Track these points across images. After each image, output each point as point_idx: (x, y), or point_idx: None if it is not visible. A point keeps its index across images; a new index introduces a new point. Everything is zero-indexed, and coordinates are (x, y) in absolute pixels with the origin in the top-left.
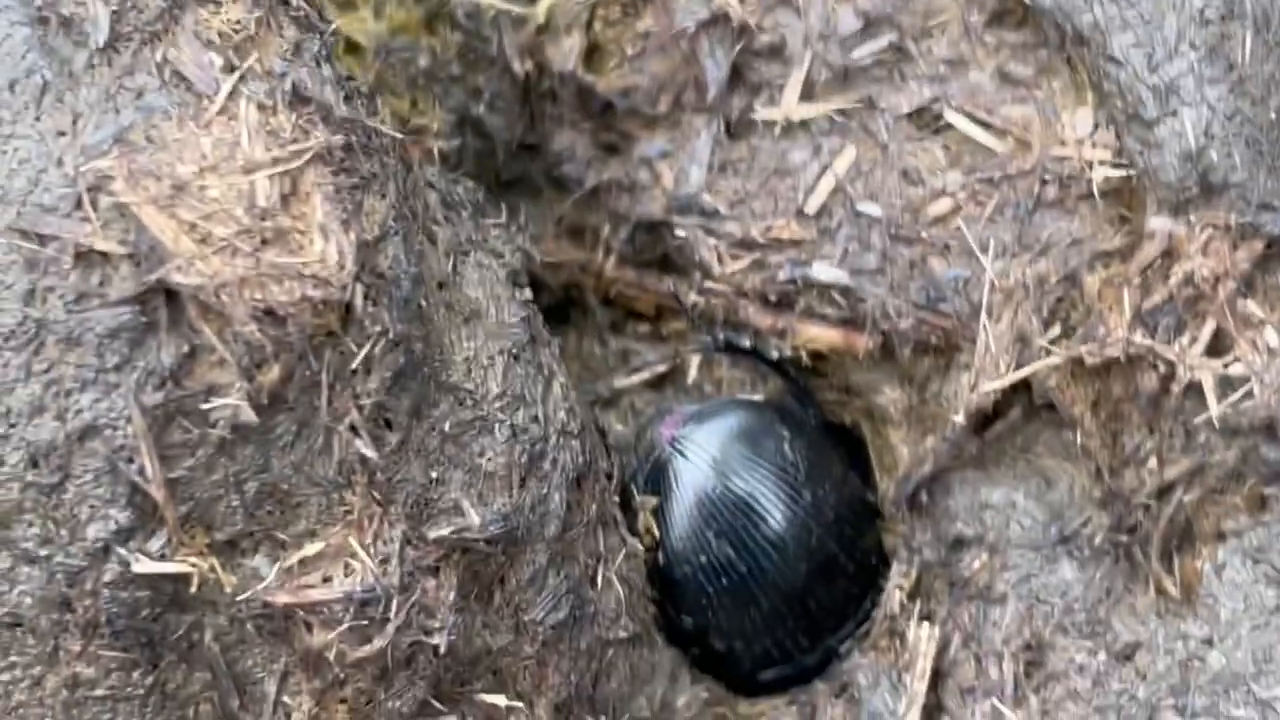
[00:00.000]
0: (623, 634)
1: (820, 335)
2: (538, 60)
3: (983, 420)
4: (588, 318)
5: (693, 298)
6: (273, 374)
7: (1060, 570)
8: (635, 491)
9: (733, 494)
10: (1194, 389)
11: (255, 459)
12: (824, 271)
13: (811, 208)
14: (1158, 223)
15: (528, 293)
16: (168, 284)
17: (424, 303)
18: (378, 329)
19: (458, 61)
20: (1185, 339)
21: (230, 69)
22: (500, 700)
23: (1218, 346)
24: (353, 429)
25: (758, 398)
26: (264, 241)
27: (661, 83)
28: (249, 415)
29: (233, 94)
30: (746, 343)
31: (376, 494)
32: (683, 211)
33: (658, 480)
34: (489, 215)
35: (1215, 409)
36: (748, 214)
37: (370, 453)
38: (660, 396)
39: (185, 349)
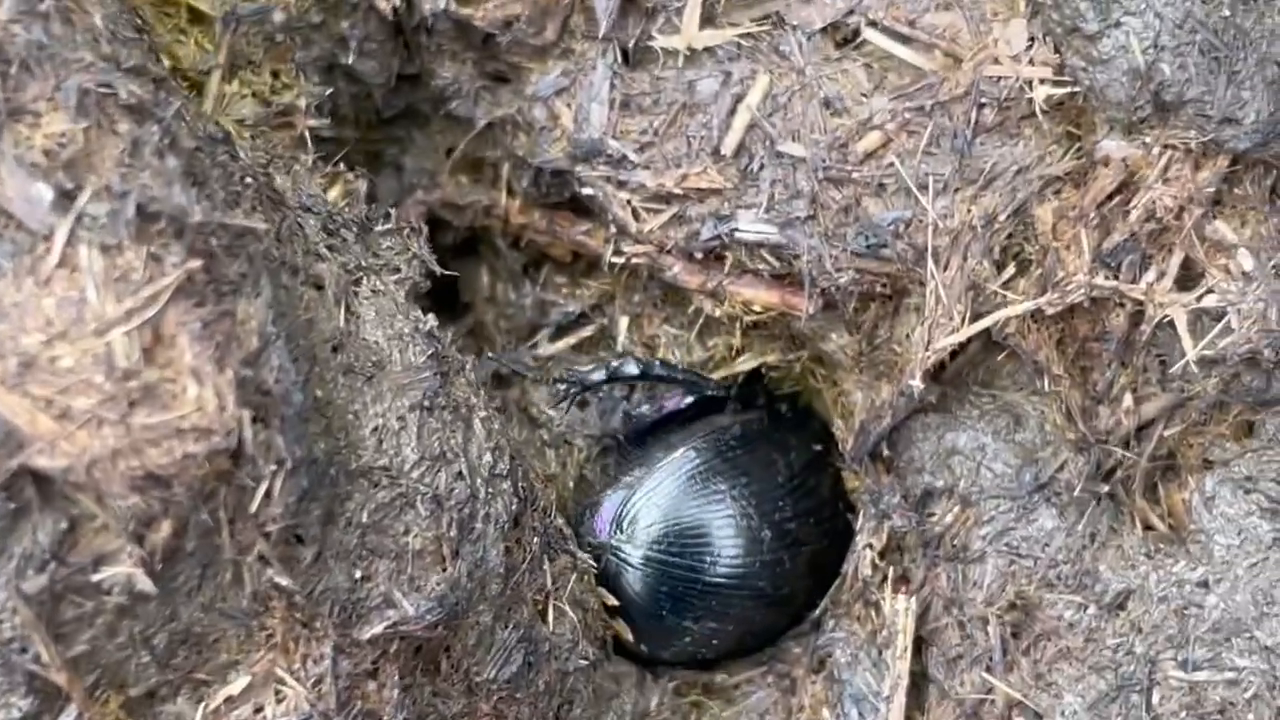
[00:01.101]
0: (582, 662)
1: (756, 297)
2: None
3: (938, 365)
4: (499, 258)
5: (611, 258)
6: (164, 532)
7: (1039, 519)
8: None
9: (693, 582)
10: (1167, 324)
11: (161, 612)
12: (750, 226)
13: (728, 148)
14: (1110, 146)
15: (431, 318)
16: (32, 469)
17: (319, 392)
18: (273, 461)
19: (316, 9)
20: (1152, 274)
21: (64, 196)
22: None
23: (1188, 278)
24: (261, 559)
25: (678, 453)
26: (131, 404)
27: (545, 9)
28: (145, 584)
29: (71, 238)
30: (632, 369)
31: (298, 614)
32: (587, 158)
33: (614, 586)
34: (376, 223)
35: (1191, 350)
36: (659, 159)
37: (284, 580)
38: (592, 359)
39: (64, 524)
